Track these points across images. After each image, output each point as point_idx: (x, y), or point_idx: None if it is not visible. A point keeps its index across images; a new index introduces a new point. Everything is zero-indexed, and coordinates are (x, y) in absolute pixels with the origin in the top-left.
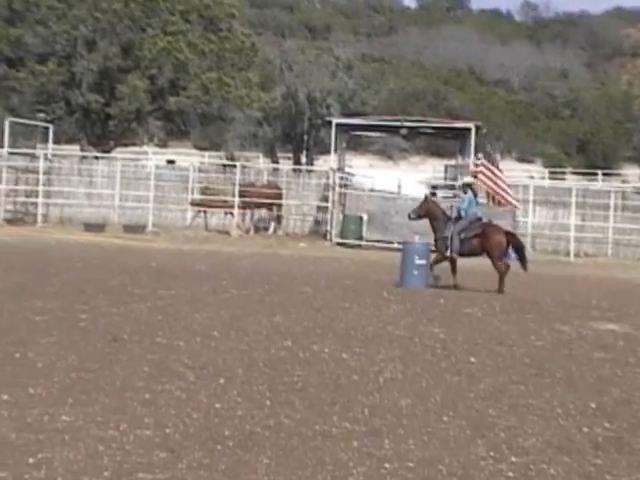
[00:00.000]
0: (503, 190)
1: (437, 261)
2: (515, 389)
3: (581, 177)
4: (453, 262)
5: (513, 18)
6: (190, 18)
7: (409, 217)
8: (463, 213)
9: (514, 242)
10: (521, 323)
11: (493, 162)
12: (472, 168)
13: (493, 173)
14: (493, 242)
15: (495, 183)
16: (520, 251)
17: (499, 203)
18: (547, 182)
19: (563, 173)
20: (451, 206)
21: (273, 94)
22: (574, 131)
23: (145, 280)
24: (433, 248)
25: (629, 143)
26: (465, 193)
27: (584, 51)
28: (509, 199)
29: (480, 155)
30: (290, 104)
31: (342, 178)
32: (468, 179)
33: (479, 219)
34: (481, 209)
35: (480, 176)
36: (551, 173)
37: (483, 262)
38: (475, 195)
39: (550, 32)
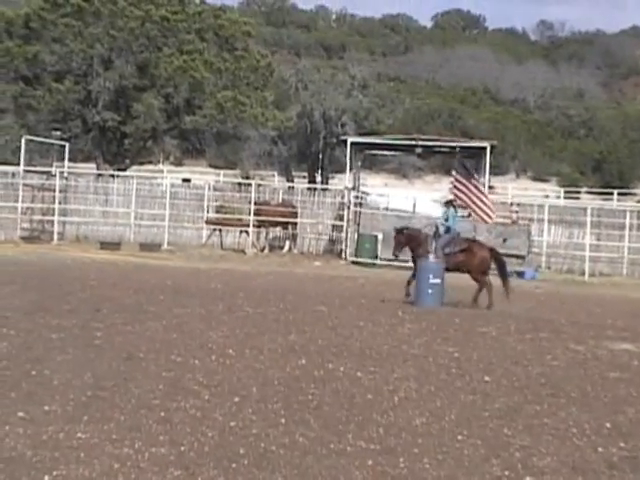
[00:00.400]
0: (476, 205)
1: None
2: (530, 408)
3: (596, 196)
4: None
5: (528, 37)
6: (206, 37)
7: (395, 256)
8: (443, 229)
9: (498, 259)
10: (536, 342)
11: (471, 178)
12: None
13: (468, 189)
14: (477, 258)
15: (469, 198)
16: (502, 269)
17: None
18: (562, 201)
19: (578, 192)
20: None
21: (288, 113)
22: (590, 150)
23: (160, 298)
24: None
25: None
26: (447, 209)
27: (600, 70)
28: (480, 214)
29: (454, 172)
30: (305, 123)
31: (357, 197)
32: (450, 196)
33: (458, 234)
34: (457, 225)
35: (455, 191)
36: (566, 192)
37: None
38: (455, 211)
39: (566, 51)
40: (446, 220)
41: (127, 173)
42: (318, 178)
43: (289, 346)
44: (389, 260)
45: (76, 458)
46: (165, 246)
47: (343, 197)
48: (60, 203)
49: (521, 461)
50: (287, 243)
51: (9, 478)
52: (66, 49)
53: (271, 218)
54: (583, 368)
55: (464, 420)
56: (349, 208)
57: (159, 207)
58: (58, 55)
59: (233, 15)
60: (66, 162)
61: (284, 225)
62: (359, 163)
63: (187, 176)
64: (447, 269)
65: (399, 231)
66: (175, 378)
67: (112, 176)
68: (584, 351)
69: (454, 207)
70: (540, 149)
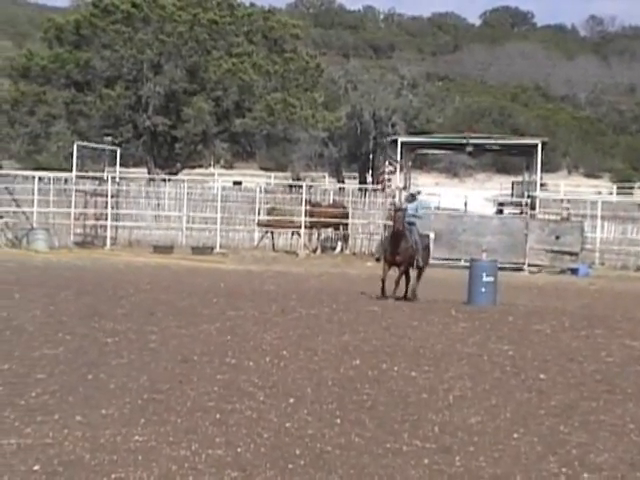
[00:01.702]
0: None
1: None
2: (586, 405)
3: None
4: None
5: (578, 33)
6: (255, 39)
7: (400, 230)
8: (414, 220)
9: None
10: (591, 339)
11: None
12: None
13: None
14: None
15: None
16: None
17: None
18: (615, 197)
19: (631, 188)
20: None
21: (338, 114)
22: None
23: (214, 301)
24: (400, 259)
25: None
26: (411, 202)
27: None
28: None
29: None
30: (355, 123)
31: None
32: (413, 190)
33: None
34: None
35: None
36: (619, 188)
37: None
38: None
39: (616, 46)
40: (416, 211)
41: (178, 177)
42: (369, 178)
43: (343, 347)
44: (442, 259)
45: (134, 461)
46: (217, 249)
47: (394, 197)
48: (112, 208)
49: (578, 458)
50: (339, 244)
51: None
52: (116, 55)
53: (323, 219)
54: (639, 364)
55: (520, 418)
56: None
57: (211, 210)
58: (108, 61)
59: (282, 17)
60: (118, 167)
61: (336, 226)
62: (410, 163)
63: (238, 179)
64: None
65: (398, 209)
66: (230, 380)
67: (164, 180)
68: (639, 347)
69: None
70: (592, 145)
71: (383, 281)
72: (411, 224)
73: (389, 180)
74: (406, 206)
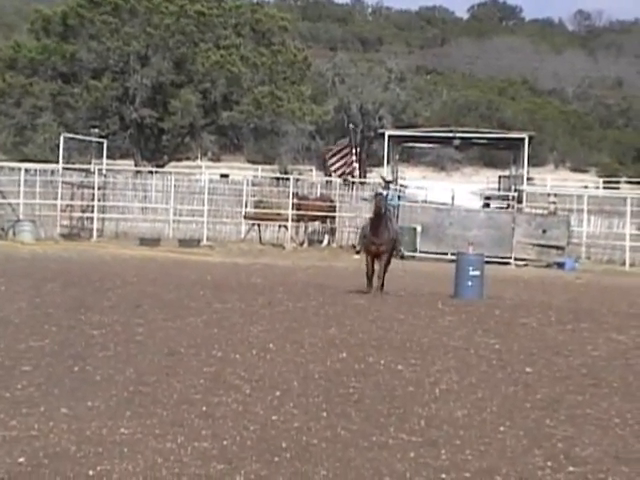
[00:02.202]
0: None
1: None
2: (572, 399)
3: (636, 186)
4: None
5: (566, 27)
6: (242, 32)
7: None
8: (391, 208)
9: None
10: (577, 333)
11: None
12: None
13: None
14: None
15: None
16: None
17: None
18: (601, 191)
19: (618, 182)
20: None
21: (326, 107)
22: (629, 140)
23: (201, 294)
24: (384, 249)
25: None
26: (387, 189)
27: (638, 59)
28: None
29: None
30: (343, 117)
31: (395, 190)
32: (387, 176)
33: None
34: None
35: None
36: (606, 182)
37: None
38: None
39: (604, 41)
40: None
41: (165, 169)
42: (356, 172)
43: (330, 340)
44: (428, 253)
45: (120, 453)
46: (204, 241)
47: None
48: (99, 200)
49: (564, 451)
50: (326, 237)
51: (54, 473)
52: (103, 47)
53: (310, 212)
54: (625, 358)
55: (506, 411)
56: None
57: (198, 203)
58: (95, 53)
59: (270, 10)
60: (104, 159)
61: (323, 219)
62: (397, 156)
63: (225, 171)
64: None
65: (378, 194)
66: (216, 373)
67: (150, 172)
68: (626, 341)
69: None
70: (579, 139)
71: (368, 275)
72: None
73: (349, 167)
74: (387, 193)
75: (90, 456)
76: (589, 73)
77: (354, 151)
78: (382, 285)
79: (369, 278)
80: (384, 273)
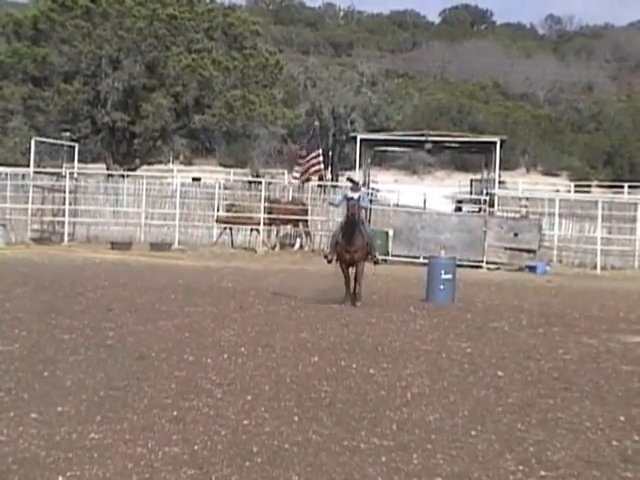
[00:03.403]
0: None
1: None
2: (543, 403)
3: (607, 190)
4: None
5: (537, 32)
6: (214, 36)
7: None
8: (363, 211)
9: None
10: (548, 336)
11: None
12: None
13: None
14: None
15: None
16: None
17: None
18: (573, 195)
19: (589, 186)
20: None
21: (297, 111)
22: (600, 144)
23: (172, 297)
24: (359, 256)
25: None
26: (356, 191)
27: (609, 64)
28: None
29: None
30: (314, 120)
31: (367, 193)
32: (354, 177)
33: None
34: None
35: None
36: (577, 186)
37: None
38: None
39: (574, 45)
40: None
41: (137, 173)
42: (328, 175)
43: (301, 344)
44: (400, 256)
45: (90, 458)
46: (176, 245)
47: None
48: (70, 204)
49: (535, 455)
50: (298, 241)
51: (23, 479)
52: (75, 50)
53: (282, 216)
54: (596, 362)
55: (477, 415)
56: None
57: (169, 206)
58: (67, 56)
59: (242, 14)
60: (76, 163)
61: (295, 223)
62: (369, 160)
63: (197, 175)
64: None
65: (350, 199)
66: (187, 377)
67: (122, 176)
68: (597, 345)
69: (360, 188)
70: (550, 143)
71: (347, 285)
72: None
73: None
74: (359, 195)
75: (60, 461)
76: (560, 77)
77: (318, 152)
78: (359, 294)
79: (348, 287)
80: (360, 281)
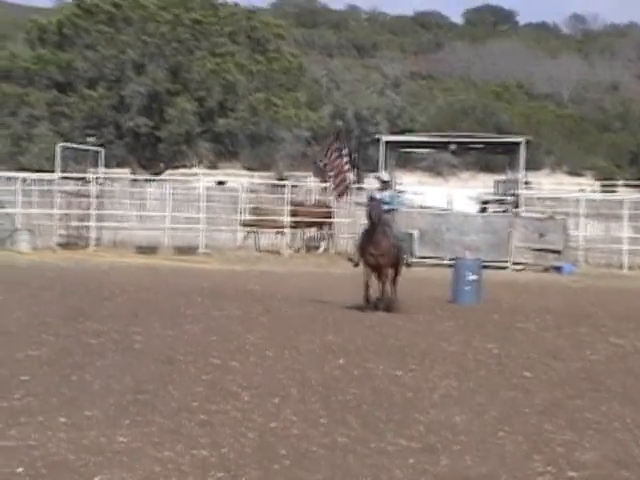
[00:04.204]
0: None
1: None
2: (571, 404)
3: (633, 189)
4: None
5: (561, 31)
6: (238, 39)
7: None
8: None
9: None
10: (575, 337)
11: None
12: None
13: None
14: None
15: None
16: None
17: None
18: (598, 195)
19: (615, 186)
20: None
21: (321, 113)
22: (625, 143)
23: (198, 301)
24: (384, 260)
25: None
26: (384, 190)
27: (634, 63)
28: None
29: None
30: (338, 122)
31: (395, 191)
32: (384, 176)
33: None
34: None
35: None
36: (602, 186)
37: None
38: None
39: (599, 44)
40: (387, 203)
41: (162, 177)
42: (353, 177)
43: (327, 346)
44: (426, 258)
45: (118, 462)
46: (201, 249)
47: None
48: (96, 209)
49: (564, 456)
50: (323, 243)
51: None
52: (99, 55)
53: (306, 219)
54: (624, 362)
55: (505, 416)
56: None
57: (194, 210)
58: (91, 62)
59: (265, 17)
60: (101, 168)
61: (320, 225)
62: (393, 161)
63: (222, 179)
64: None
65: (372, 199)
66: (214, 380)
67: (147, 181)
68: (624, 344)
69: (390, 187)
70: (575, 143)
71: (367, 286)
72: (387, 212)
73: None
74: (382, 195)
75: (89, 465)
76: (584, 77)
77: (344, 154)
78: (392, 301)
79: (367, 292)
80: (393, 287)
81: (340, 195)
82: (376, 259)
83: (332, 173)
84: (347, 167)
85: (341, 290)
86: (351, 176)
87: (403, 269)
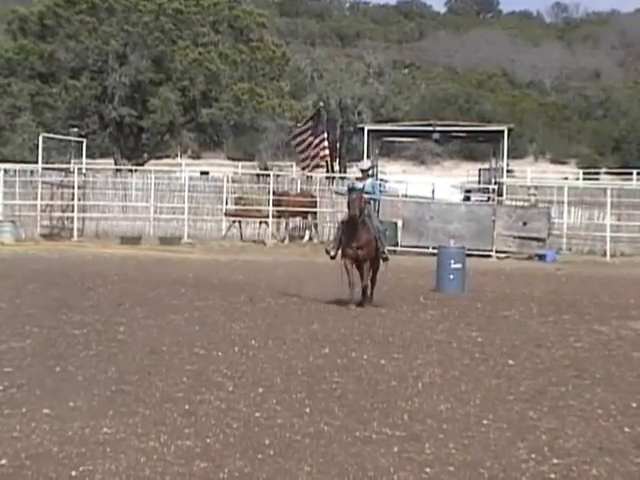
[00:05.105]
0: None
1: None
2: (555, 391)
3: (616, 177)
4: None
5: (543, 19)
6: (220, 29)
7: (356, 217)
8: (371, 202)
9: None
10: (559, 324)
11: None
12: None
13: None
14: None
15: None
16: None
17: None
18: (581, 183)
19: (597, 173)
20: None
21: (305, 103)
22: (608, 131)
23: (182, 291)
24: (363, 253)
25: None
26: (365, 179)
27: (616, 50)
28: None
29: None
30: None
31: (377, 180)
32: (364, 164)
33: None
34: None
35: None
36: (585, 174)
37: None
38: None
39: (581, 32)
40: (368, 192)
41: (145, 168)
42: (336, 167)
43: (312, 335)
44: (409, 247)
45: (102, 453)
46: (185, 239)
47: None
48: (79, 199)
49: (547, 444)
50: (307, 233)
51: (36, 474)
52: (81, 46)
53: (290, 208)
54: (607, 349)
55: (489, 404)
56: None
57: (178, 200)
58: (73, 52)
59: (247, 6)
60: (84, 158)
61: (303, 215)
62: (377, 151)
63: (205, 169)
64: None
65: (352, 189)
66: (199, 370)
67: (130, 171)
68: (608, 332)
69: (370, 176)
70: (558, 131)
71: (350, 283)
72: (368, 202)
73: (321, 155)
74: (363, 185)
75: (73, 456)
76: (567, 65)
77: (324, 137)
78: (371, 294)
79: (351, 286)
80: (372, 281)
81: (307, 169)
82: (355, 252)
83: (300, 148)
84: (322, 145)
85: (326, 279)
86: (326, 152)
87: (381, 263)
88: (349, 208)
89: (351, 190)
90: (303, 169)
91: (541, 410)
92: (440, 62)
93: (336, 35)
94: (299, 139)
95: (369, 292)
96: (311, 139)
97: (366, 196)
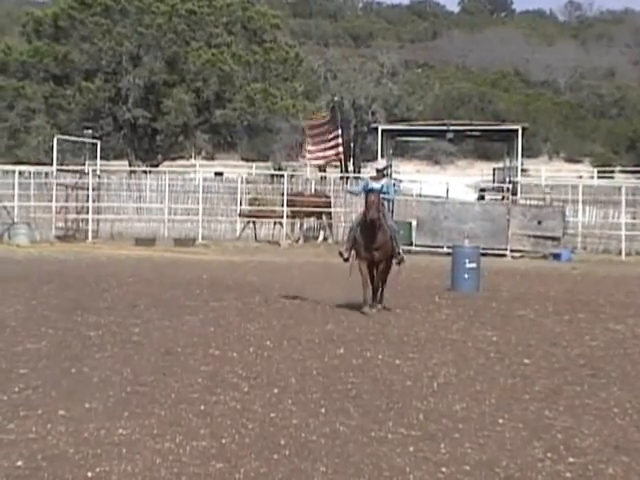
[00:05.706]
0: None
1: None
2: (571, 390)
3: (630, 175)
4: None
5: (557, 18)
6: (234, 30)
7: (375, 220)
8: (385, 202)
9: None
10: (574, 323)
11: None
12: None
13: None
14: None
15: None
16: None
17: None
18: (596, 181)
19: (612, 172)
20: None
21: (318, 103)
22: (622, 130)
23: (197, 292)
24: (380, 255)
25: None
26: (380, 179)
27: (630, 49)
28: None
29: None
30: (334, 96)
31: (391, 180)
32: (380, 164)
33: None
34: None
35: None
36: (600, 172)
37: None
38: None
39: (595, 31)
40: (383, 192)
41: (159, 169)
42: (350, 167)
43: (327, 336)
44: (424, 246)
45: (118, 454)
46: (199, 240)
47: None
48: (94, 201)
49: (563, 442)
50: (321, 233)
51: (52, 476)
52: (95, 48)
53: (304, 209)
54: (623, 347)
55: (504, 404)
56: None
57: (192, 202)
58: (87, 54)
59: (261, 7)
60: (98, 160)
61: (318, 215)
62: (391, 150)
63: (219, 170)
64: None
65: (370, 190)
66: (214, 371)
67: (145, 172)
68: (623, 330)
69: (385, 176)
70: (572, 130)
71: (365, 286)
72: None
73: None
74: (381, 186)
75: (88, 458)
76: (581, 63)
77: (338, 132)
78: (381, 295)
79: (365, 288)
80: (383, 282)
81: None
82: (371, 253)
83: (314, 141)
84: (336, 141)
85: (340, 280)
86: (340, 150)
87: (396, 266)
88: (367, 210)
89: (369, 191)
90: (310, 159)
91: (557, 409)
92: (454, 62)
93: (349, 35)
94: (315, 131)
95: (379, 293)
96: (327, 134)
97: (381, 196)
